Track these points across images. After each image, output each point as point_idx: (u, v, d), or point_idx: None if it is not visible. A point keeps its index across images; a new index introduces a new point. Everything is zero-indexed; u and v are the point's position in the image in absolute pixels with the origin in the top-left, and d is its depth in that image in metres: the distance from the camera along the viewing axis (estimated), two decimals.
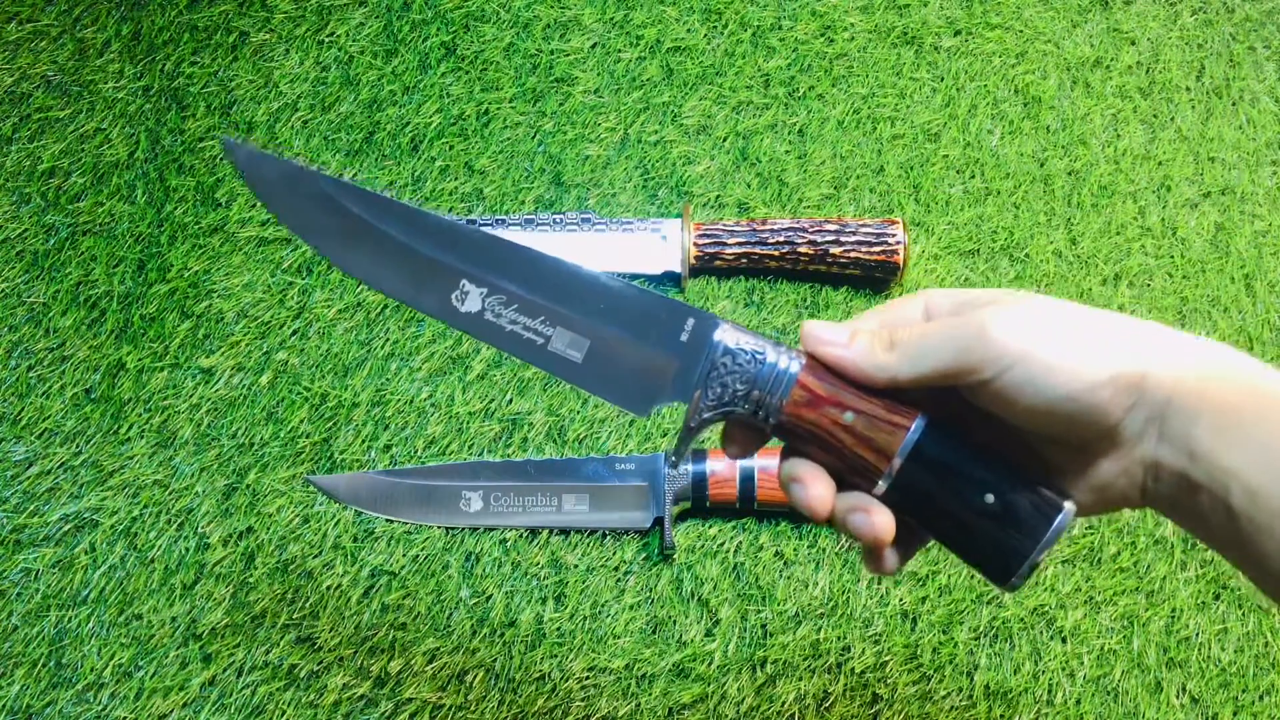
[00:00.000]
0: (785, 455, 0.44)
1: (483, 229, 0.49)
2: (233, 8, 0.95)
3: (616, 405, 0.45)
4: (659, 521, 0.77)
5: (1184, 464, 0.38)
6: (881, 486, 0.41)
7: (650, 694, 0.74)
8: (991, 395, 0.39)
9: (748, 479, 0.76)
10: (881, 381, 0.41)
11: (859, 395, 0.41)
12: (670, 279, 0.87)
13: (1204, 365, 0.38)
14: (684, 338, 0.43)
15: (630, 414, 0.46)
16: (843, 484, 0.43)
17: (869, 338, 0.41)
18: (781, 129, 0.92)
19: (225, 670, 0.74)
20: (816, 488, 0.42)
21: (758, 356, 0.42)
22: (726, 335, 0.42)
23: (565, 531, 0.79)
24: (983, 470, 0.40)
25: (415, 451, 0.81)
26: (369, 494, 0.77)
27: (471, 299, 0.44)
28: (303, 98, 0.92)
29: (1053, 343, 0.37)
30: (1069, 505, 0.40)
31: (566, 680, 0.75)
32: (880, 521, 0.41)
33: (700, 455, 0.77)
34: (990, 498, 0.40)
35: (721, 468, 0.77)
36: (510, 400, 0.82)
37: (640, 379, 0.44)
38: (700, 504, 0.77)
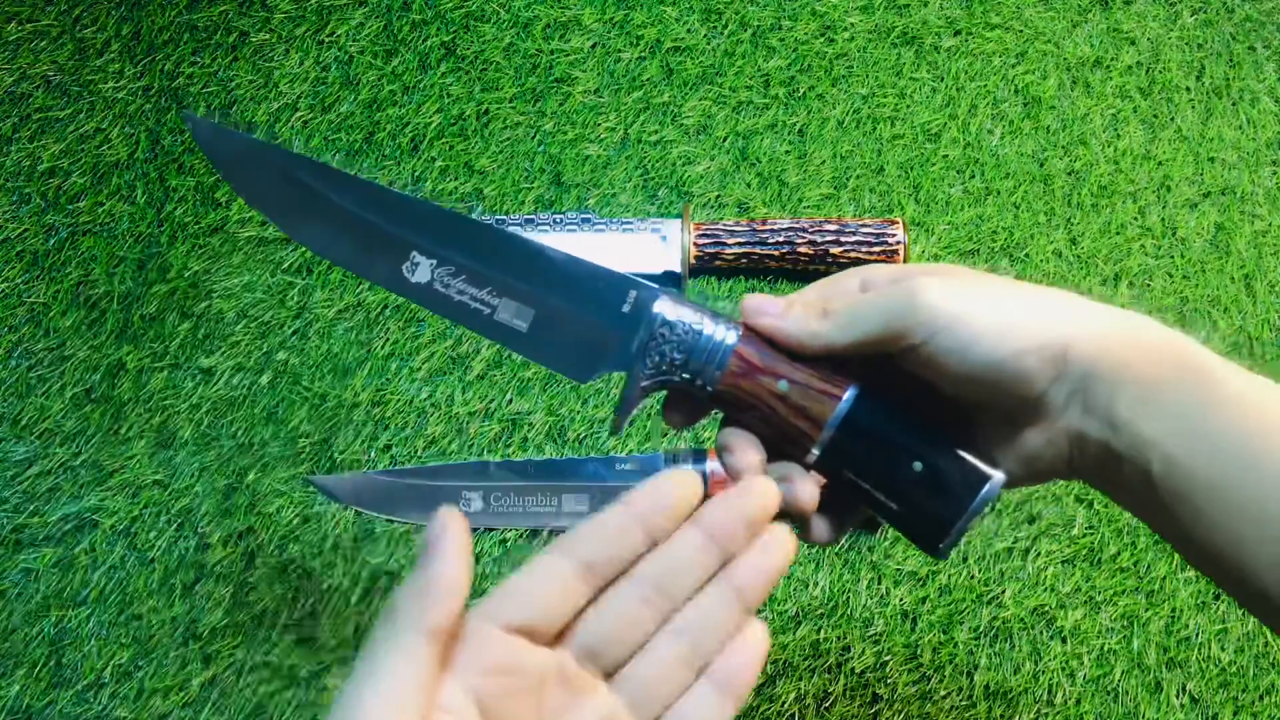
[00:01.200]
0: (722, 426, 0.45)
1: (431, 201, 0.50)
2: (233, 8, 0.95)
3: (558, 372, 0.46)
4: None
5: (1106, 434, 0.38)
6: (814, 454, 0.43)
7: None
8: (921, 361, 0.40)
9: (719, 450, 0.76)
10: (816, 349, 0.42)
11: (794, 365, 0.42)
12: (670, 279, 0.87)
13: (1127, 337, 0.39)
14: (625, 309, 0.44)
15: (572, 380, 0.47)
16: (775, 455, 0.44)
17: (803, 308, 0.42)
18: (781, 129, 0.92)
19: (225, 670, 0.74)
20: (747, 455, 0.43)
21: (695, 328, 0.43)
22: (666, 307, 0.43)
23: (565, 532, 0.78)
24: (912, 439, 0.41)
25: (415, 451, 0.81)
26: (369, 494, 0.77)
27: (421, 270, 0.46)
28: (303, 98, 0.92)
29: (980, 311, 0.38)
30: (997, 475, 0.41)
31: None
32: (804, 490, 0.42)
33: (700, 455, 0.77)
34: (919, 466, 0.41)
35: (721, 468, 0.76)
36: (510, 400, 0.82)
37: (583, 348, 0.45)
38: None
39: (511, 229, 0.87)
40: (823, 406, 0.42)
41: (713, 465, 0.77)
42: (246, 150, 0.48)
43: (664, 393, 0.46)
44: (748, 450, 0.43)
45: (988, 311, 0.39)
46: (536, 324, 0.45)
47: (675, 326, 0.43)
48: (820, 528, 0.44)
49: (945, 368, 0.39)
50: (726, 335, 0.43)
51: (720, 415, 0.46)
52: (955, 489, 0.41)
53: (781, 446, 0.44)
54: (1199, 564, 0.40)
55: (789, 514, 0.43)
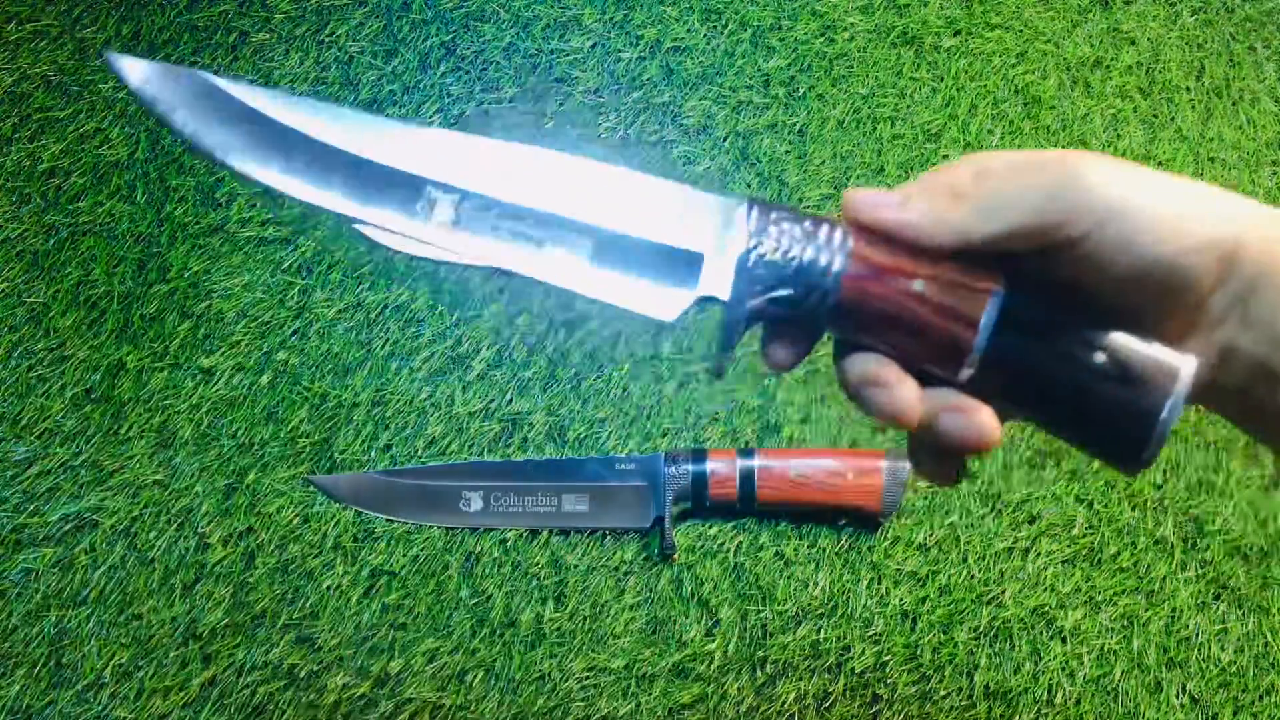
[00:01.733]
0: (842, 354, 0.37)
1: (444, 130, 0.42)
2: (233, 8, 0.95)
3: (637, 310, 0.37)
4: (659, 521, 0.77)
5: (1265, 351, 0.33)
6: (967, 371, 0.35)
7: (650, 694, 0.74)
8: (1076, 257, 0.33)
9: (748, 479, 0.76)
10: (949, 243, 0.34)
11: (925, 259, 0.35)
12: None
13: None
14: (713, 222, 0.36)
15: (657, 319, 0.37)
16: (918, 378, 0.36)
17: (927, 196, 0.35)
18: (781, 129, 0.92)
19: (225, 670, 0.74)
20: (904, 388, 0.35)
21: (804, 230, 0.36)
22: (761, 213, 0.36)
23: (565, 532, 0.79)
24: (1088, 327, 0.34)
25: (415, 451, 0.81)
26: (369, 494, 0.77)
27: (441, 207, 0.38)
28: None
29: (1149, 199, 0.33)
30: (1190, 360, 0.34)
31: (566, 680, 0.75)
32: (983, 419, 0.35)
33: (700, 455, 0.77)
34: (1101, 357, 0.34)
35: (722, 468, 0.77)
36: (510, 400, 0.82)
37: (661, 276, 0.37)
38: (700, 504, 0.77)
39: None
40: (975, 302, 0.34)
41: (713, 465, 0.77)
42: (196, 91, 0.39)
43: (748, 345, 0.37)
44: (902, 381, 0.35)
45: (1157, 201, 0.33)
46: (599, 252, 0.37)
47: (776, 234, 0.36)
48: (989, 425, 0.35)
49: (1104, 265, 0.33)
50: (839, 236, 0.35)
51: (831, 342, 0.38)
52: (1151, 377, 0.34)
53: (924, 365, 0.36)
54: None
55: (952, 454, 0.36)
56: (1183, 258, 0.32)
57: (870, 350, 0.36)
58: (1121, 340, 0.34)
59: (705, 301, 0.37)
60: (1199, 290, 0.33)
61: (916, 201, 0.35)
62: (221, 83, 0.39)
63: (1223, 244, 0.33)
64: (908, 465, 0.44)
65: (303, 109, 0.38)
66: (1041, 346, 0.34)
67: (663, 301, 0.37)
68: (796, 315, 0.36)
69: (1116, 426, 0.34)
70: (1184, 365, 0.34)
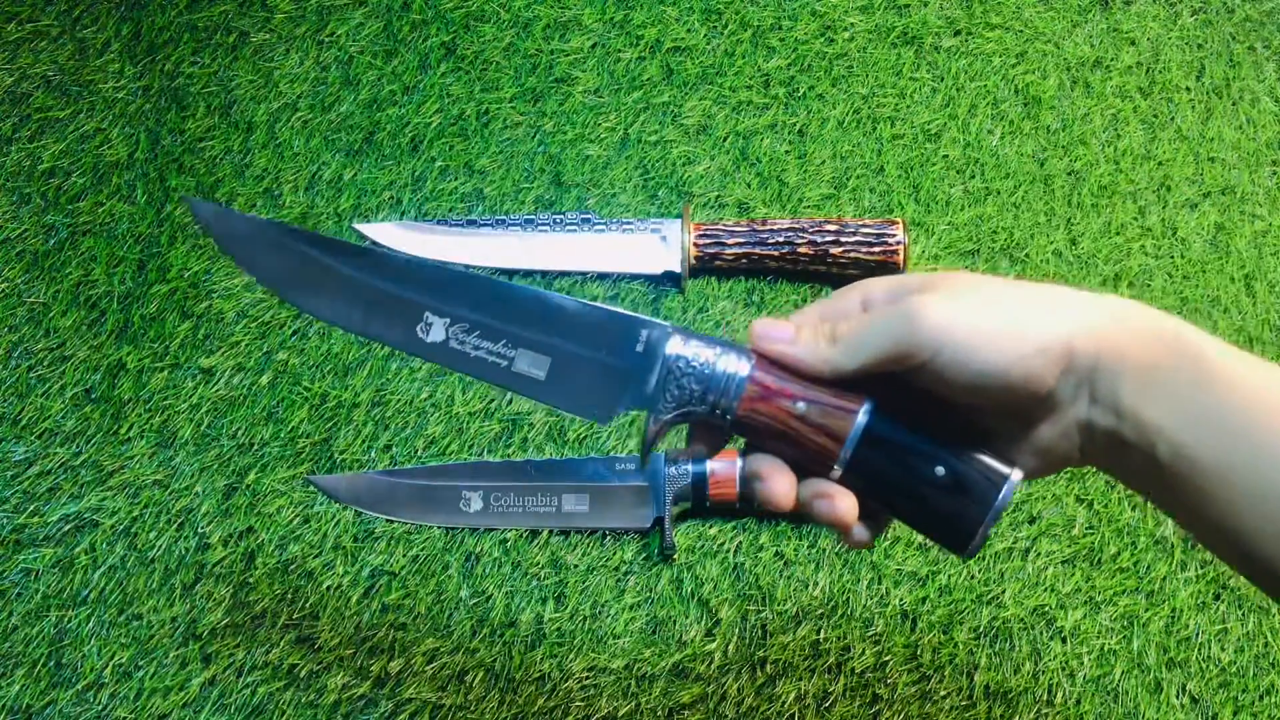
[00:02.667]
0: (746, 453, 0.46)
1: (436, 262, 0.51)
2: (233, 8, 0.95)
3: (580, 416, 0.47)
4: (659, 521, 0.77)
5: (1113, 423, 0.40)
6: (838, 470, 0.44)
7: (650, 694, 0.74)
8: (930, 376, 0.41)
9: (748, 479, 0.76)
10: (827, 373, 0.43)
11: (807, 386, 0.44)
12: (670, 279, 0.87)
13: (1124, 325, 0.40)
14: (639, 349, 0.45)
15: (594, 421, 0.49)
16: (802, 473, 0.45)
17: (812, 333, 0.44)
18: (781, 129, 0.92)
19: (225, 670, 0.74)
20: (779, 482, 0.44)
21: (709, 360, 0.44)
22: (678, 344, 0.45)
23: (565, 532, 0.79)
24: (931, 445, 0.43)
25: (415, 451, 0.81)
26: (369, 494, 0.77)
27: (436, 329, 0.47)
28: (303, 98, 0.92)
29: (980, 321, 0.40)
30: (1016, 472, 0.42)
31: (566, 680, 0.75)
32: (843, 505, 0.43)
33: (699, 455, 0.77)
34: (940, 470, 0.42)
35: (721, 468, 0.77)
36: (510, 400, 0.82)
37: (600, 391, 0.46)
38: (700, 504, 0.77)
39: (512, 229, 0.87)
40: (842, 422, 0.43)
41: (713, 465, 0.77)
42: (250, 230, 0.49)
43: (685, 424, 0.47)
44: (778, 476, 0.44)
45: (988, 321, 0.40)
46: (554, 371, 0.46)
47: (690, 361, 0.44)
48: (861, 533, 0.45)
49: (953, 380, 0.40)
50: (740, 364, 0.44)
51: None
52: (978, 489, 0.42)
53: (805, 465, 0.45)
54: (1209, 544, 0.42)
55: (833, 527, 0.45)
56: (1014, 366, 0.39)
57: (762, 450, 0.45)
58: (958, 456, 0.42)
59: (632, 409, 0.46)
60: (1042, 384, 0.40)
61: (802, 338, 0.44)
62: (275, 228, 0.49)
63: (1053, 347, 0.39)
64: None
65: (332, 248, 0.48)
66: (894, 458, 0.43)
67: (600, 411, 0.46)
68: (707, 422, 0.46)
69: (950, 525, 0.43)
70: (1011, 476, 0.42)
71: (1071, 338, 0.39)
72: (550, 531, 0.78)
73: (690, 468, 0.77)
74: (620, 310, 0.46)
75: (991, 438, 0.43)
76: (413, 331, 0.47)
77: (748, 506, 0.78)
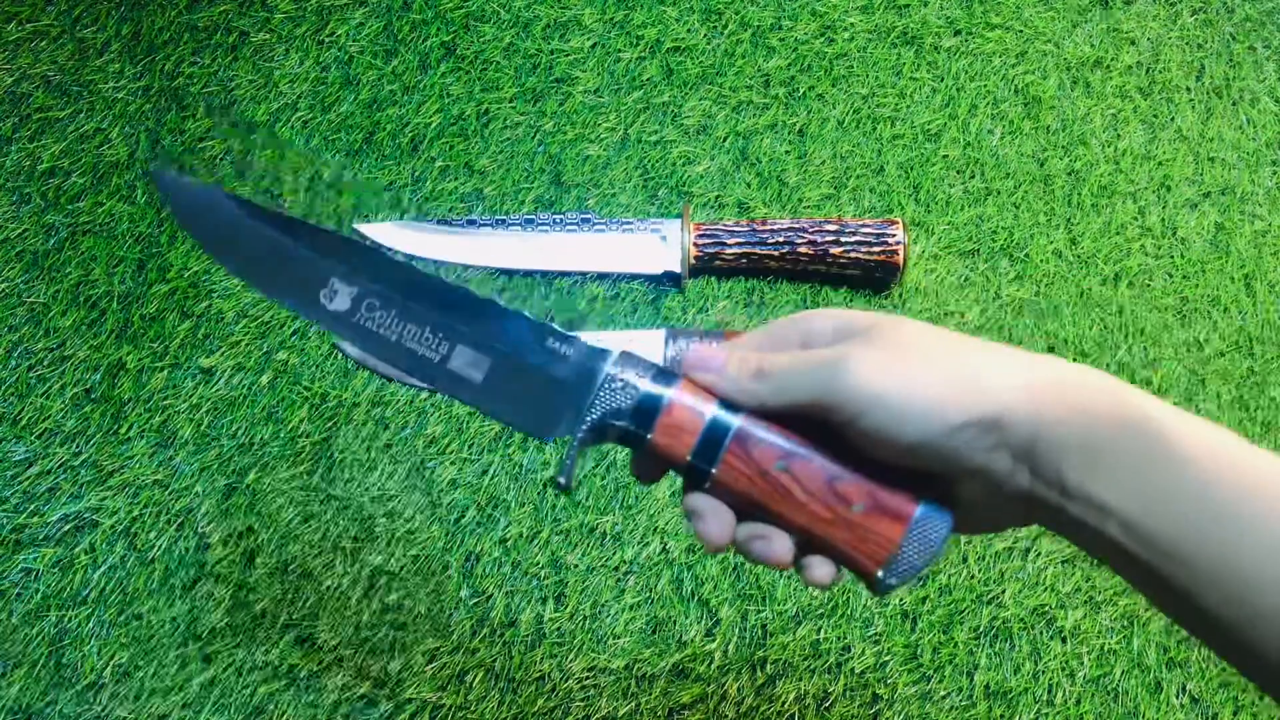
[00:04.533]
0: (684, 488, 0.45)
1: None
2: (233, 8, 0.95)
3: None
4: (575, 440, 0.46)
5: (1058, 499, 0.37)
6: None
7: (650, 694, 0.74)
8: (855, 435, 0.39)
9: (712, 442, 0.46)
10: (751, 407, 0.42)
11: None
12: (670, 279, 0.87)
13: (1066, 397, 0.37)
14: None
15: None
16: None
17: (739, 364, 0.42)
18: (781, 129, 0.92)
19: (225, 670, 0.74)
20: (715, 522, 0.42)
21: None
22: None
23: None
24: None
25: (415, 451, 0.81)
26: (208, 214, 0.50)
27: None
28: (303, 98, 0.92)
29: (907, 388, 0.37)
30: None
31: (566, 680, 0.75)
32: (779, 546, 0.42)
33: (666, 375, 0.46)
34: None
35: (684, 403, 0.45)
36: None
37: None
38: (635, 442, 0.46)
39: (512, 229, 0.87)
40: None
41: (673, 395, 0.46)
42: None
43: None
44: (715, 516, 0.43)
45: (915, 388, 0.37)
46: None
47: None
48: (821, 568, 0.43)
49: (877, 444, 0.39)
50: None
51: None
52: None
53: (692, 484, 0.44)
54: (1171, 615, 0.39)
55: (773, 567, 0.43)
56: (945, 437, 0.37)
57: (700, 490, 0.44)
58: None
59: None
60: (971, 458, 0.37)
61: (731, 369, 0.42)
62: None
63: (983, 420, 0.37)
64: (949, 521, 0.41)
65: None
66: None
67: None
68: (640, 449, 0.44)
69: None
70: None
71: (1003, 412, 0.37)
72: (550, 531, 0.78)
73: (641, 383, 0.44)
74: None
75: (930, 490, 0.41)
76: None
77: (696, 479, 0.46)
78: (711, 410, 0.42)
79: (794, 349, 0.42)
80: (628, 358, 0.44)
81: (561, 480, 0.45)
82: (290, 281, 0.46)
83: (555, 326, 0.45)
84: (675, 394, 0.43)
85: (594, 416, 0.44)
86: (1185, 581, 0.36)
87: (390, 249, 0.85)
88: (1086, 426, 0.37)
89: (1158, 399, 0.38)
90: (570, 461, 0.45)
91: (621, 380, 0.44)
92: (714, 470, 0.42)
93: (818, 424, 0.41)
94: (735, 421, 0.42)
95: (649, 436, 0.43)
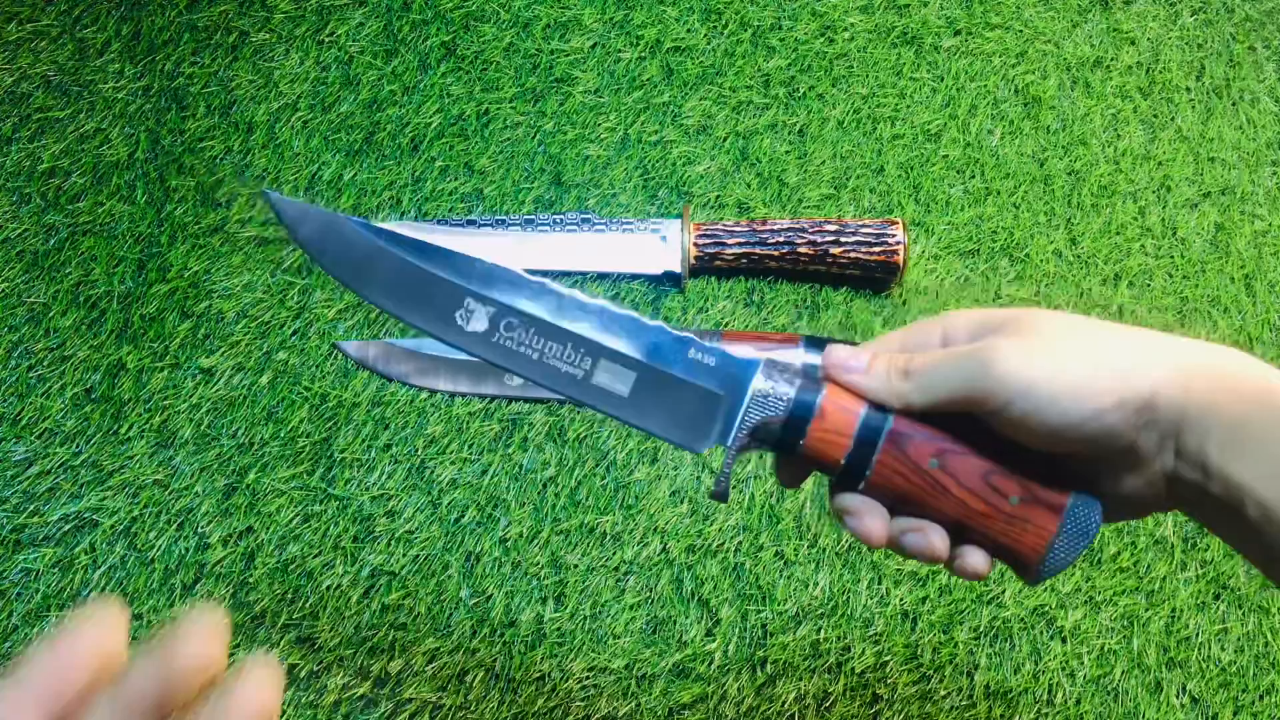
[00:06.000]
0: (831, 491, 0.45)
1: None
2: (233, 8, 0.95)
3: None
4: (730, 449, 0.47)
5: (1199, 478, 0.38)
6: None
7: (650, 694, 0.74)
8: (1003, 422, 0.40)
9: (867, 443, 0.47)
10: (898, 408, 0.43)
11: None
12: (670, 279, 0.87)
13: (1213, 377, 0.38)
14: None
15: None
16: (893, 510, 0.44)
17: (886, 365, 0.43)
18: (781, 129, 0.92)
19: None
20: (871, 520, 0.43)
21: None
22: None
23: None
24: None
25: (415, 451, 0.81)
26: (335, 243, 0.50)
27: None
28: (303, 98, 0.92)
29: (1057, 373, 0.38)
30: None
31: (566, 680, 0.75)
32: (936, 539, 0.43)
33: (812, 383, 0.48)
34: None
35: (837, 407, 0.47)
36: (510, 400, 0.82)
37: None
38: (788, 448, 0.47)
39: (512, 229, 0.86)
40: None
41: (827, 401, 0.47)
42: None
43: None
44: (870, 513, 0.44)
45: (1065, 372, 0.38)
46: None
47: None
48: (976, 560, 0.44)
49: (1028, 429, 0.39)
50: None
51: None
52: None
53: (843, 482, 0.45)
54: None
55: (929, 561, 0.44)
56: (1094, 419, 0.38)
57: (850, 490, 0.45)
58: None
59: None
60: (1121, 438, 0.39)
61: (875, 369, 0.43)
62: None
63: (1134, 401, 0.38)
64: (1099, 512, 0.43)
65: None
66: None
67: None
68: (791, 455, 0.45)
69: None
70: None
71: (1154, 392, 0.38)
72: (550, 531, 0.78)
73: (792, 390, 0.46)
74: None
75: (1075, 479, 0.42)
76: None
77: (848, 480, 0.47)
78: (863, 412, 0.43)
79: (934, 348, 0.43)
80: (773, 365, 0.45)
81: (718, 491, 0.46)
82: (425, 304, 0.46)
83: (696, 338, 0.45)
84: (825, 399, 0.43)
85: (749, 426, 0.44)
86: None
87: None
88: (1233, 407, 0.37)
89: None
90: (727, 472, 0.45)
91: (772, 388, 0.44)
92: (869, 470, 0.43)
93: (962, 419, 0.42)
94: (887, 421, 0.43)
95: (802, 442, 0.44)
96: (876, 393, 0.43)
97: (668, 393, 0.45)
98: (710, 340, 0.46)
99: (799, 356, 0.77)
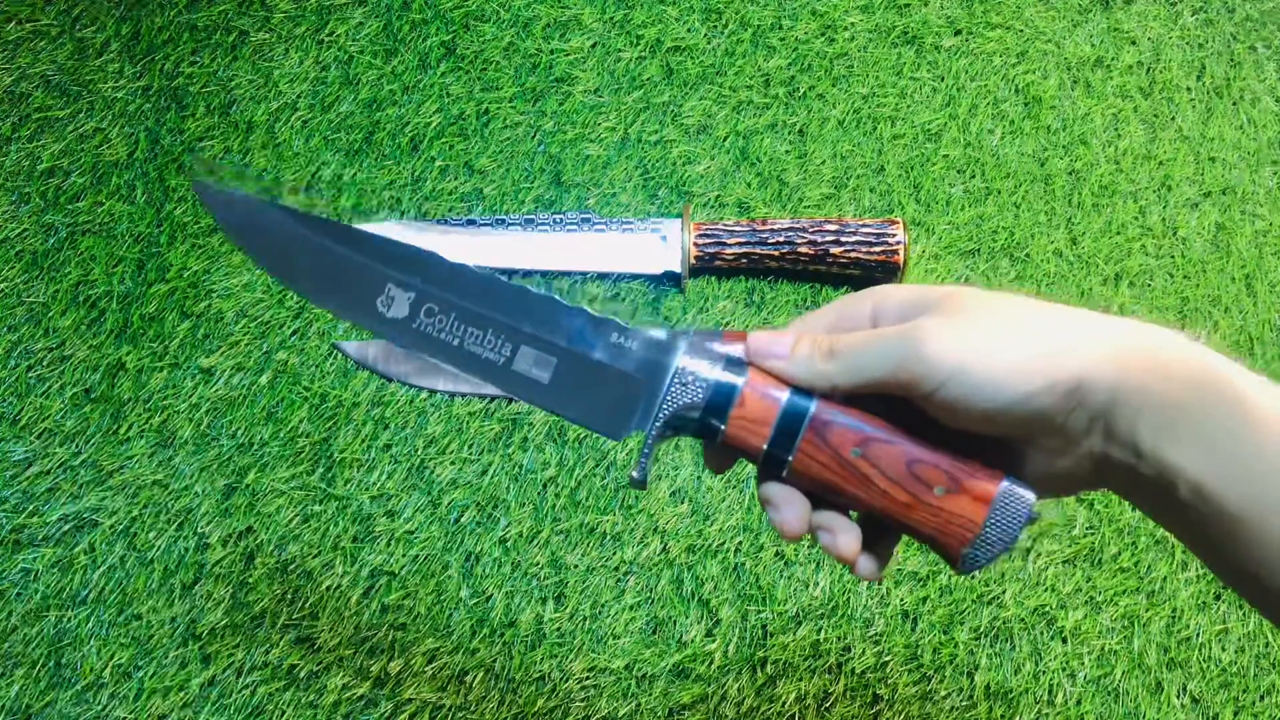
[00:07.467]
0: (759, 479, 0.44)
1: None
2: (233, 8, 0.95)
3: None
4: (649, 435, 0.46)
5: (1131, 460, 0.38)
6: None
7: (650, 694, 0.74)
8: (933, 405, 0.39)
9: (788, 431, 0.46)
10: (823, 390, 0.41)
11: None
12: (670, 279, 0.87)
13: (1145, 358, 0.37)
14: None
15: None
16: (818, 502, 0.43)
17: (810, 347, 0.42)
18: (781, 129, 0.92)
19: (225, 670, 0.74)
20: (790, 511, 0.42)
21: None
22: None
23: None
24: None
25: (415, 451, 0.81)
26: (244, 215, 0.49)
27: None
28: (303, 98, 0.92)
29: (986, 355, 0.37)
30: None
31: (566, 680, 0.75)
32: (843, 542, 0.42)
33: (737, 364, 0.47)
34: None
35: (758, 395, 0.46)
36: (510, 400, 0.82)
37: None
38: (708, 435, 0.46)
39: (512, 229, 0.86)
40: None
41: (749, 388, 0.46)
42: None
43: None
44: (789, 504, 0.43)
45: (995, 354, 0.37)
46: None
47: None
48: (866, 565, 0.43)
49: (957, 412, 0.39)
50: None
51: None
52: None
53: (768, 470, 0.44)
54: (1231, 583, 0.40)
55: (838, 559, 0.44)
56: (1023, 401, 0.37)
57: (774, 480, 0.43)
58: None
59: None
60: (1050, 420, 0.38)
61: (798, 353, 0.42)
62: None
63: (1064, 383, 0.37)
64: (1032, 499, 0.41)
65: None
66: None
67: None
68: (713, 443, 0.43)
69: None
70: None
71: (1083, 372, 0.37)
72: (550, 530, 0.78)
73: (712, 373, 0.44)
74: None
75: (1001, 461, 0.41)
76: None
77: (772, 469, 0.45)
78: (785, 397, 0.42)
79: (863, 328, 0.42)
80: (696, 348, 0.43)
81: (636, 476, 0.44)
82: (346, 290, 0.45)
83: (617, 320, 0.44)
84: (747, 383, 0.42)
85: (667, 412, 0.42)
86: (1250, 547, 0.36)
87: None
88: (1163, 388, 0.37)
89: (1243, 367, 0.38)
90: (646, 458, 0.44)
91: (692, 372, 0.42)
92: (790, 459, 0.42)
93: (890, 401, 0.41)
94: (810, 407, 0.41)
95: (723, 428, 0.42)
96: (800, 378, 0.41)
97: (588, 378, 0.44)
98: (710, 340, 0.45)
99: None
